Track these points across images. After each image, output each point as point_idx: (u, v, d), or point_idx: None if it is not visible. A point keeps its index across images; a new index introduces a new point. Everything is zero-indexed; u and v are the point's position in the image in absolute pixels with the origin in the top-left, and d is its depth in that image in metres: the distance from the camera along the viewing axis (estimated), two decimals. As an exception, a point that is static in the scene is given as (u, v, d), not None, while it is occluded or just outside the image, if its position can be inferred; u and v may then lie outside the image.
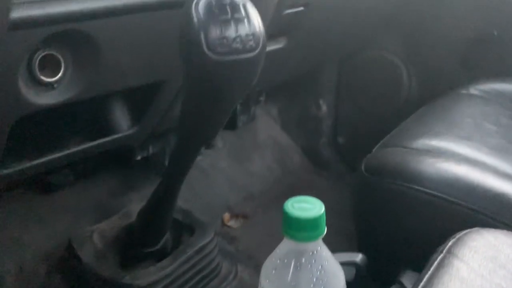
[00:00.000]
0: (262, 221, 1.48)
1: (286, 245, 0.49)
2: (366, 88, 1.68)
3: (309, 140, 1.79)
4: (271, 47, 1.06)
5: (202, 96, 0.55)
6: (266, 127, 1.81)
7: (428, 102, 1.31)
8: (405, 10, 1.52)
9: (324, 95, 1.77)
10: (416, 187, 0.84)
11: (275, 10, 0.91)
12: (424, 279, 0.59)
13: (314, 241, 0.50)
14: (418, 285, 0.58)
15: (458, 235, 0.69)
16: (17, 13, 0.51)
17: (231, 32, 0.49)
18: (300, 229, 0.49)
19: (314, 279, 0.44)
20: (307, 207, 0.51)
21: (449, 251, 0.64)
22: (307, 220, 0.49)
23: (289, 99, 1.79)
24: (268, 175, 1.67)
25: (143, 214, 0.87)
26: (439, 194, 0.81)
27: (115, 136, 0.85)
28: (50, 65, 0.63)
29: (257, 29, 0.52)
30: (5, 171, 0.71)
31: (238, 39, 0.49)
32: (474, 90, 1.32)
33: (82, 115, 0.82)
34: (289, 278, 0.45)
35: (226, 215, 1.47)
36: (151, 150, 1.12)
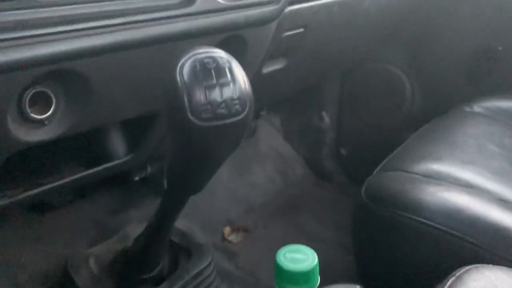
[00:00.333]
0: (263, 235, 1.47)
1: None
2: (369, 100, 1.68)
3: (311, 151, 1.78)
4: (270, 68, 1.05)
5: (187, 157, 0.54)
6: (268, 137, 1.80)
7: (431, 115, 1.30)
8: (408, 23, 1.51)
9: (327, 107, 1.76)
10: (416, 218, 0.82)
11: (274, 33, 0.89)
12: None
13: (307, 292, 0.48)
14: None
15: (458, 273, 0.67)
16: (3, 57, 0.50)
17: (216, 97, 0.48)
18: (293, 282, 0.48)
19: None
20: (300, 258, 0.49)
21: (449, 291, 0.62)
22: (299, 273, 0.48)
23: (291, 110, 1.78)
24: (269, 187, 1.66)
25: (139, 243, 0.85)
26: (439, 226, 0.80)
27: (111, 163, 0.84)
28: (41, 101, 0.62)
29: (243, 93, 0.50)
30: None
31: (223, 104, 0.48)
32: (478, 107, 1.30)
33: (77, 143, 0.81)
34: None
35: (227, 229, 1.46)
36: (149, 170, 1.11)
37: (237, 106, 0.49)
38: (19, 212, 1.10)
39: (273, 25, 0.83)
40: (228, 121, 0.49)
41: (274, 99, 1.45)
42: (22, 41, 0.51)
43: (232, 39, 0.76)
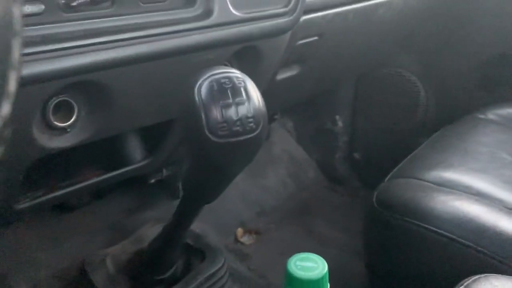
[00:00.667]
0: (275, 238, 1.48)
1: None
2: (383, 105, 1.68)
3: (324, 155, 1.79)
4: (284, 74, 1.06)
5: (203, 170, 0.56)
6: (281, 141, 1.80)
7: (445, 121, 1.30)
8: (422, 29, 1.51)
9: (341, 111, 1.76)
10: (426, 225, 0.83)
11: (289, 42, 0.91)
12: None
13: (317, 300, 0.50)
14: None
15: (466, 282, 0.68)
16: (29, 70, 0.53)
17: (232, 115, 0.50)
18: (303, 289, 0.50)
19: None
20: (310, 266, 0.51)
21: (457, 301, 0.63)
22: (309, 281, 0.50)
23: (305, 114, 1.79)
24: (282, 190, 1.67)
25: (154, 246, 0.88)
26: (449, 235, 0.81)
27: (129, 168, 0.86)
28: (64, 109, 0.64)
29: (258, 111, 0.52)
30: (20, 206, 0.73)
31: (238, 122, 0.50)
32: (491, 114, 1.30)
33: (97, 148, 0.83)
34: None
35: (240, 231, 1.48)
36: (164, 173, 1.13)
37: (252, 124, 0.51)
38: (39, 213, 1.13)
39: (287, 35, 0.85)
40: (243, 138, 0.51)
41: (288, 104, 1.46)
42: (48, 55, 0.54)
43: (246, 49, 0.78)
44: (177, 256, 0.92)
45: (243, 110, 0.51)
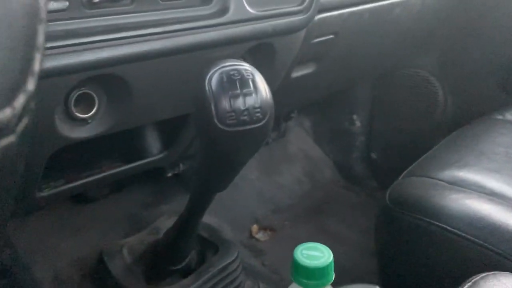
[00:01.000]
0: (289, 235, 1.49)
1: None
2: (401, 105, 1.67)
3: (341, 154, 1.79)
4: (300, 72, 1.07)
5: (213, 158, 0.59)
6: (298, 139, 1.81)
7: (463, 121, 1.29)
8: (441, 29, 1.50)
9: (358, 110, 1.76)
10: (438, 223, 0.83)
11: (304, 40, 0.92)
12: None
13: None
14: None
15: (474, 279, 0.68)
16: (53, 62, 0.56)
17: (240, 105, 0.53)
18: (309, 277, 0.51)
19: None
20: (316, 255, 0.53)
21: (463, 296, 0.64)
22: (315, 268, 0.51)
23: (322, 113, 1.79)
24: (297, 189, 1.67)
25: (168, 236, 0.90)
26: (460, 233, 0.81)
27: (146, 160, 0.89)
28: (85, 102, 0.67)
29: (265, 102, 0.55)
30: (42, 194, 0.77)
31: (246, 112, 0.53)
32: (509, 115, 1.29)
33: (115, 141, 0.86)
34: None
35: (255, 227, 1.49)
36: (181, 167, 1.16)
37: (258, 114, 0.54)
38: (60, 203, 1.17)
39: (302, 32, 0.86)
40: (250, 127, 0.53)
41: (304, 102, 1.47)
42: (70, 49, 0.56)
43: (261, 46, 0.79)
44: (191, 247, 0.94)
45: (250, 100, 0.53)
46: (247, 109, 0.53)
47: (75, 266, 1.11)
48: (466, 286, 0.68)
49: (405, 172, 1.05)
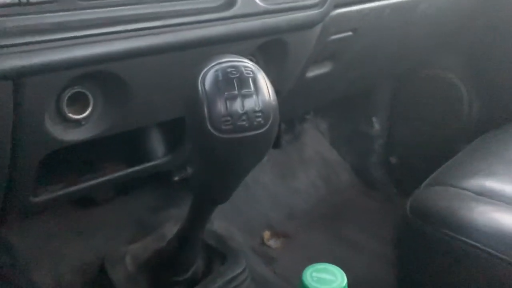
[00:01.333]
0: (303, 242, 1.45)
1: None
2: (423, 108, 1.62)
3: (359, 158, 1.74)
4: (315, 72, 1.02)
5: (208, 168, 0.52)
6: (314, 142, 1.77)
7: (489, 127, 1.24)
8: (467, 28, 1.44)
9: (377, 113, 1.71)
10: (464, 239, 0.77)
11: (319, 37, 0.87)
12: None
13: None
14: None
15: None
16: (40, 58, 0.51)
17: (237, 108, 0.46)
18: (319, 304, 0.45)
19: None
20: (328, 278, 0.46)
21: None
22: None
23: (339, 114, 1.75)
24: (312, 193, 1.63)
25: (170, 247, 0.86)
26: (489, 250, 0.74)
27: (151, 163, 0.85)
28: (79, 101, 0.63)
29: (267, 105, 0.48)
30: (37, 199, 0.72)
31: (244, 116, 0.46)
32: (539, 121, 1.22)
33: (118, 143, 0.82)
34: None
35: (267, 233, 1.44)
36: (188, 171, 1.11)
37: (259, 119, 0.47)
38: (64, 206, 1.14)
39: (317, 28, 0.81)
40: (249, 134, 0.46)
41: (319, 104, 1.42)
42: (59, 43, 0.52)
43: (272, 43, 0.74)
44: (195, 258, 0.89)
45: (250, 103, 0.46)
46: (245, 113, 0.46)
47: (78, 272, 1.08)
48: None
49: (427, 180, 0.99)
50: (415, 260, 0.88)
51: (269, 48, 0.75)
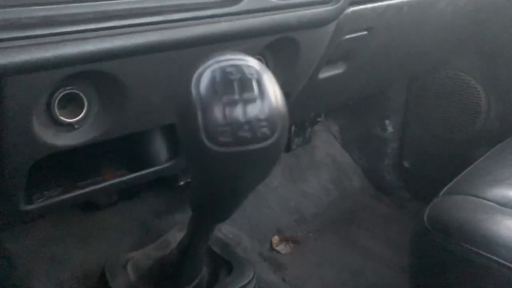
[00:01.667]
0: (313, 248, 1.42)
1: None
2: (438, 110, 1.58)
3: (371, 161, 1.72)
4: (328, 73, 0.98)
5: (206, 185, 0.46)
6: (325, 145, 1.77)
7: (509, 132, 1.19)
8: (488, 28, 1.40)
9: (391, 115, 1.68)
10: (487, 255, 0.73)
11: (333, 36, 0.82)
12: None
13: None
14: None
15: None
16: (26, 56, 0.46)
17: (238, 116, 0.38)
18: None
19: None
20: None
21: None
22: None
23: (352, 116, 1.73)
24: (323, 197, 1.61)
25: (173, 257, 0.81)
26: (516, 268, 0.69)
27: (153, 169, 0.80)
28: (73, 103, 0.58)
29: (274, 112, 0.40)
30: (30, 207, 0.68)
31: (246, 126, 0.38)
32: None
33: (118, 147, 0.77)
34: None
35: (275, 238, 1.42)
36: (192, 179, 1.07)
37: (265, 129, 0.39)
38: (66, 210, 1.11)
39: (331, 27, 0.76)
40: (252, 147, 0.39)
41: (332, 106, 1.38)
42: (48, 39, 0.47)
43: (282, 41, 0.69)
44: (199, 269, 0.85)
45: (253, 110, 0.39)
46: (248, 122, 0.38)
47: (79, 279, 1.06)
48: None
49: (445, 188, 0.95)
50: (432, 272, 0.85)
51: (279, 47, 0.70)
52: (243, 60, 0.41)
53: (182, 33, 0.55)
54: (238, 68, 0.40)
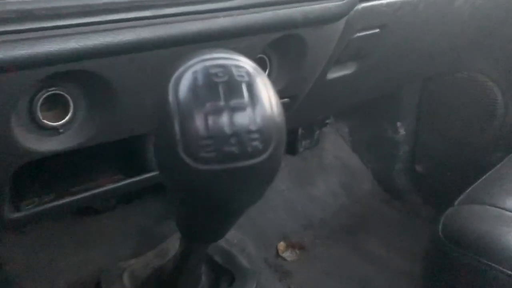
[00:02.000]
0: (321, 255, 1.40)
1: None
2: (453, 113, 1.55)
3: (382, 165, 1.69)
4: (337, 73, 0.95)
5: (187, 206, 0.40)
6: (334, 147, 1.77)
7: None
8: (506, 27, 1.35)
9: (403, 117, 1.65)
10: (509, 272, 0.67)
11: (342, 34, 0.77)
12: None
13: None
14: None
15: None
16: (2, 53, 0.42)
17: (223, 127, 0.32)
18: None
19: None
20: None
21: None
22: None
23: (362, 119, 1.70)
24: (331, 202, 1.58)
25: (169, 270, 0.78)
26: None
27: (150, 174, 0.77)
28: (59, 106, 0.54)
29: (268, 122, 0.34)
30: (16, 215, 0.64)
31: (233, 139, 0.32)
32: None
33: (113, 151, 0.74)
34: None
35: (281, 245, 1.39)
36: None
37: (256, 143, 0.33)
38: (63, 215, 1.10)
39: (340, 24, 0.72)
40: (240, 164, 0.33)
41: (342, 108, 1.34)
42: (23, 35, 0.43)
43: (288, 39, 0.65)
44: (199, 279, 0.81)
45: (242, 119, 0.32)
46: (236, 134, 0.32)
47: (74, 285, 1.02)
48: None
49: (461, 196, 0.91)
50: (446, 287, 0.79)
51: (284, 45, 0.66)
52: (232, 59, 0.35)
53: (176, 29, 0.50)
54: (225, 68, 0.33)
